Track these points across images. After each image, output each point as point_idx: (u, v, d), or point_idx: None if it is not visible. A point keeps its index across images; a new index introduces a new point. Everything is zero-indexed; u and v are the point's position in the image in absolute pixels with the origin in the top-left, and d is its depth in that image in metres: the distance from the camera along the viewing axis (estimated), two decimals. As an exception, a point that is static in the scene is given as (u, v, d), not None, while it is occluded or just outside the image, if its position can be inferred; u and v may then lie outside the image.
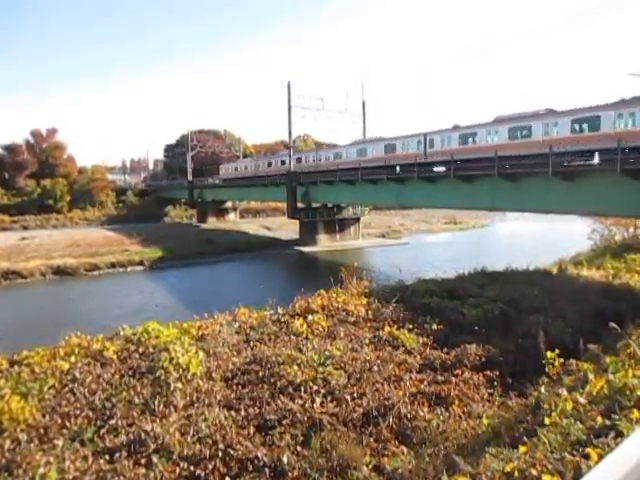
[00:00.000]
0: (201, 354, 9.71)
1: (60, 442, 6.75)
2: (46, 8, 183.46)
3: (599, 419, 4.16)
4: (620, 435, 3.61)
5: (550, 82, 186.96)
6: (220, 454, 6.48)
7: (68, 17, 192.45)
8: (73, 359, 9.75)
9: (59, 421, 7.40)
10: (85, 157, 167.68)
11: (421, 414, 7.58)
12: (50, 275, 35.62)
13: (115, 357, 10.04)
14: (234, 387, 8.81)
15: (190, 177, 78.08)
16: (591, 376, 5.82)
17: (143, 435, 6.81)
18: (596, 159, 19.84)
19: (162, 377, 8.66)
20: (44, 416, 7.61)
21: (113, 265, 38.00)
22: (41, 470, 5.92)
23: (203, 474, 6.18)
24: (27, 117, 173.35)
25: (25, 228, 67.69)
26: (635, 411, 3.90)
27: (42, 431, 7.14)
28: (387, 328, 11.64)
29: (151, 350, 10.01)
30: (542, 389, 6.61)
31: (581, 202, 21.34)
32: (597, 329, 9.97)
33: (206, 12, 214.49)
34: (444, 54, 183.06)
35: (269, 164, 57.72)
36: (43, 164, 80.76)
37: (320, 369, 9.01)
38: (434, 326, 11.94)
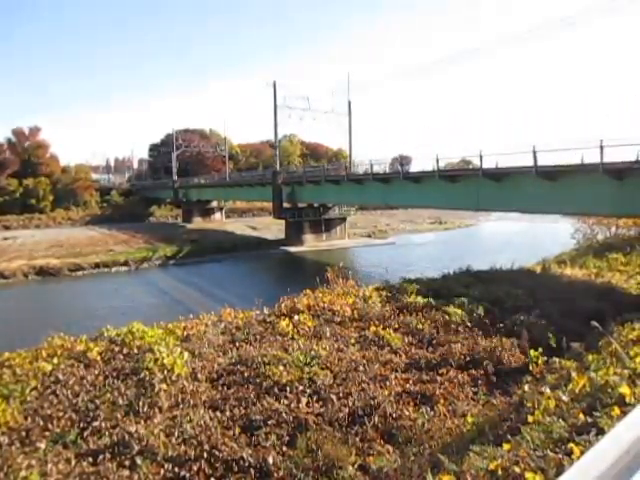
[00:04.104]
0: (186, 355, 9.63)
1: (42, 445, 6.65)
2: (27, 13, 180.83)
3: (581, 416, 4.20)
4: (601, 432, 3.65)
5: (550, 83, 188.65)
6: (205, 455, 6.44)
7: (65, 20, 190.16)
8: (56, 360, 9.61)
9: (41, 423, 7.29)
10: (68, 156, 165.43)
11: (406, 413, 7.61)
12: (33, 276, 35.22)
13: (99, 358, 9.91)
14: (219, 388, 8.75)
15: (175, 177, 77.60)
16: (574, 374, 5.89)
17: (127, 437, 6.74)
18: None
19: (146, 378, 8.58)
20: (26, 418, 7.49)
21: (97, 265, 37.64)
22: (23, 473, 5.83)
23: (188, 475, 6.13)
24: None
25: (7, 228, 66.77)
26: (616, 408, 3.94)
27: (24, 434, 7.03)
28: (373, 328, 11.65)
29: (135, 351, 9.90)
30: (526, 387, 6.67)
31: (564, 202, 21.59)
32: (580, 327, 10.11)
33: (197, 11, 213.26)
34: (439, 56, 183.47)
35: None
36: (25, 163, 79.61)
37: (306, 369, 8.99)
38: (419, 325, 11.98)
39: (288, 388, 8.34)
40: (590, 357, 6.93)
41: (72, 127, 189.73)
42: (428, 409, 7.79)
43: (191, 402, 8.05)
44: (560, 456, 3.57)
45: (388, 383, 8.75)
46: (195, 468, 6.23)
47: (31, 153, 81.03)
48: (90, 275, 36.47)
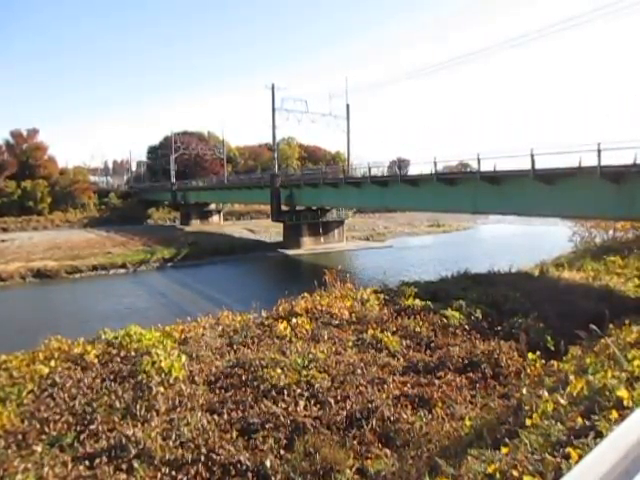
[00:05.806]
0: (184, 358, 9.62)
1: (39, 448, 6.64)
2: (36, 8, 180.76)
3: (579, 420, 4.20)
4: (600, 436, 3.65)
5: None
6: (202, 458, 6.42)
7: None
8: (53, 363, 9.59)
9: (38, 426, 7.27)
10: (67, 158, 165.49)
11: (404, 416, 7.59)
12: (30, 278, 35.13)
13: (96, 361, 9.90)
14: (217, 391, 8.74)
15: (174, 179, 77.57)
16: (571, 377, 5.88)
17: (124, 440, 6.72)
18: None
19: (144, 381, 8.56)
20: (23, 421, 7.47)
21: (95, 268, 37.56)
22: (19, 477, 5.81)
23: (185, 479, 6.11)
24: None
25: (4, 230, 66.53)
26: (614, 411, 3.94)
27: (20, 437, 7.01)
28: (371, 331, 11.64)
29: (133, 354, 9.89)
30: (524, 390, 6.65)
31: (562, 205, 21.60)
32: (578, 330, 10.09)
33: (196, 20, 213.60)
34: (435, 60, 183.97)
35: None
36: (23, 165, 79.41)
37: (304, 372, 8.98)
38: (417, 328, 11.97)
39: (286, 391, 8.33)
40: (588, 360, 6.92)
41: (70, 129, 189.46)
42: (426, 412, 7.78)
43: (188, 405, 8.02)
44: (558, 460, 3.57)
45: (386, 386, 8.74)
46: (192, 472, 6.21)
47: (29, 155, 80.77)
48: (88, 277, 36.41)
